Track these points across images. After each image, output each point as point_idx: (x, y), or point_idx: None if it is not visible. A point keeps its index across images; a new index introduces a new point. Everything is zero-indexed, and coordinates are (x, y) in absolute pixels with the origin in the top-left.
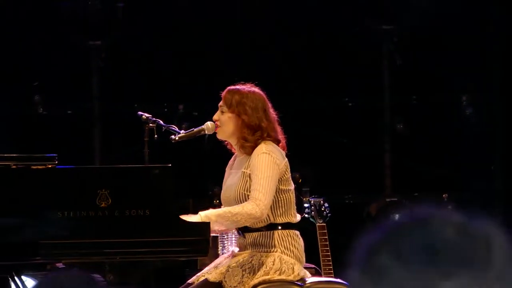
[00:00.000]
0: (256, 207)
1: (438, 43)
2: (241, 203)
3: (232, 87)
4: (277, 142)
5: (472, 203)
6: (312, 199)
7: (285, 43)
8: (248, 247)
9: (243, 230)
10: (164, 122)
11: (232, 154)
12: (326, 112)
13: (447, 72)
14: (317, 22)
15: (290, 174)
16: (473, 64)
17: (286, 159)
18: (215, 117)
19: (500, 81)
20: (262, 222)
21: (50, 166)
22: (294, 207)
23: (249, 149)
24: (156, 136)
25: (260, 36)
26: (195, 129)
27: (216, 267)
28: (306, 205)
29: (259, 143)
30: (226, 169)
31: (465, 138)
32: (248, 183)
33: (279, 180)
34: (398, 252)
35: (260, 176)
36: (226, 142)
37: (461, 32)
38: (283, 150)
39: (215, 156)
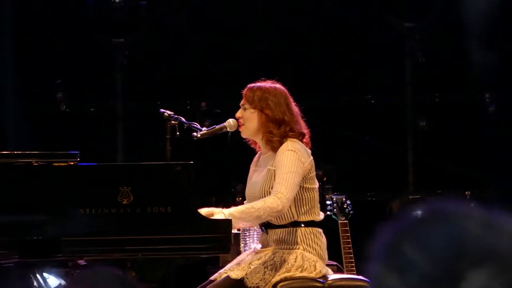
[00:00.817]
0: (277, 200)
1: (460, 40)
2: None
3: (253, 84)
4: (301, 136)
5: (495, 201)
6: (335, 196)
7: (308, 40)
8: (270, 243)
9: (266, 227)
10: (186, 120)
11: (255, 152)
12: (349, 109)
13: (470, 70)
14: (340, 19)
15: (315, 172)
16: (496, 61)
17: (312, 157)
18: (237, 114)
19: None
20: (285, 219)
21: (72, 163)
22: (318, 205)
23: (276, 143)
24: (178, 133)
25: (282, 33)
26: (217, 127)
27: (238, 264)
28: (328, 202)
29: (285, 140)
30: (251, 166)
31: (488, 136)
32: (272, 180)
33: (303, 178)
34: (423, 245)
35: (284, 171)
36: (249, 141)
37: (484, 29)
38: (308, 144)
39: (238, 153)
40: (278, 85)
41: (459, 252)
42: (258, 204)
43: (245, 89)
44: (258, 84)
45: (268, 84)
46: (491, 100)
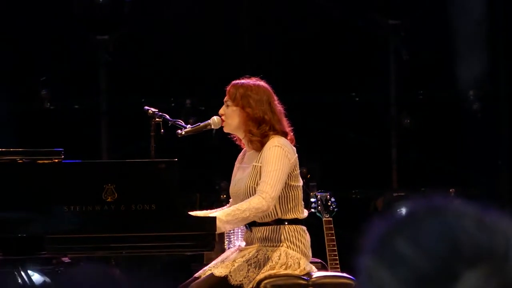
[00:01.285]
0: (262, 200)
1: (444, 37)
2: (250, 197)
3: (237, 81)
4: (284, 135)
5: (478, 199)
6: (319, 194)
7: (292, 37)
8: (254, 241)
9: (250, 224)
10: (170, 117)
11: (240, 149)
12: (333, 107)
13: (454, 67)
14: (324, 16)
15: (299, 170)
16: (480, 59)
17: (297, 155)
18: (220, 111)
19: (506, 76)
20: (269, 217)
21: (56, 160)
22: (302, 203)
23: (257, 143)
24: (162, 130)
25: (266, 30)
26: (201, 124)
27: (222, 261)
28: (312, 199)
29: (268, 138)
30: (236, 163)
31: (471, 133)
32: (258, 176)
33: (288, 175)
34: (415, 239)
35: (270, 169)
36: (234, 138)
37: (467, 26)
38: (292, 142)
39: (223, 151)
40: (262, 83)
41: (452, 248)
42: (244, 205)
43: (229, 86)
44: (242, 81)
45: (251, 81)
46: (475, 97)
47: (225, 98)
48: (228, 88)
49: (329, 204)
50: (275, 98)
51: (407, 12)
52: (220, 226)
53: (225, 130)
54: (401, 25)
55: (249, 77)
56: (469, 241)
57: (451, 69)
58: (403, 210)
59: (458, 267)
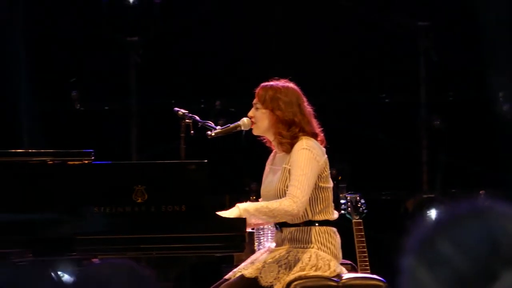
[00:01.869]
0: (293, 203)
1: (474, 39)
2: (280, 199)
3: (266, 83)
4: (314, 136)
5: (509, 200)
6: (349, 195)
7: (322, 39)
8: (285, 242)
9: (280, 225)
10: (200, 118)
11: (271, 150)
12: (363, 108)
13: (483, 68)
14: (353, 18)
15: (329, 171)
16: (510, 60)
17: (326, 156)
18: (250, 113)
19: None
20: (300, 218)
21: (86, 161)
22: (332, 204)
23: (286, 145)
24: (192, 132)
25: (297, 32)
26: (231, 125)
27: (252, 262)
28: (342, 201)
29: (298, 140)
30: (266, 164)
31: (501, 135)
32: (288, 179)
33: (318, 177)
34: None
35: (299, 173)
36: (264, 140)
37: (497, 27)
38: (322, 143)
39: (253, 152)
40: (291, 85)
41: (492, 249)
42: (274, 204)
43: (258, 88)
44: (271, 83)
45: (280, 83)
46: (505, 99)
47: (254, 101)
48: (257, 91)
49: (359, 205)
50: (305, 99)
51: (436, 13)
52: (244, 215)
53: (255, 133)
54: (430, 27)
55: (278, 79)
56: (509, 242)
57: (480, 71)
58: (443, 212)
59: (498, 267)
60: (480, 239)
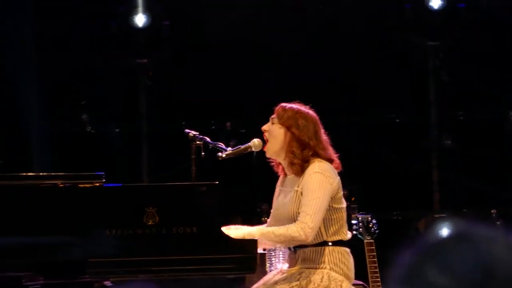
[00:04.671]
0: (301, 230)
1: (484, 58)
2: (295, 222)
3: (287, 103)
4: (329, 161)
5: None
6: (360, 216)
7: (331, 59)
8: (297, 262)
9: (295, 246)
10: (211, 140)
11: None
12: (374, 128)
13: (493, 88)
14: (364, 38)
15: (342, 192)
16: None
17: (339, 177)
18: (264, 127)
19: None
20: (315, 239)
21: (97, 184)
22: (346, 225)
23: (297, 167)
24: (203, 153)
25: (306, 53)
26: (242, 146)
27: (264, 284)
28: (354, 221)
29: (310, 163)
30: (277, 186)
31: None
32: (301, 202)
33: (332, 198)
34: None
35: (310, 197)
36: (272, 163)
37: (507, 47)
38: (338, 169)
39: (263, 174)
40: (311, 111)
41: (485, 275)
42: (280, 230)
43: (278, 106)
44: (292, 104)
45: (302, 107)
46: None
47: (272, 116)
48: (277, 108)
49: (370, 226)
50: (322, 128)
51: (446, 33)
52: (248, 238)
53: (267, 154)
54: (440, 46)
55: (298, 102)
56: (503, 266)
57: (491, 90)
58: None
59: None
60: (471, 265)
